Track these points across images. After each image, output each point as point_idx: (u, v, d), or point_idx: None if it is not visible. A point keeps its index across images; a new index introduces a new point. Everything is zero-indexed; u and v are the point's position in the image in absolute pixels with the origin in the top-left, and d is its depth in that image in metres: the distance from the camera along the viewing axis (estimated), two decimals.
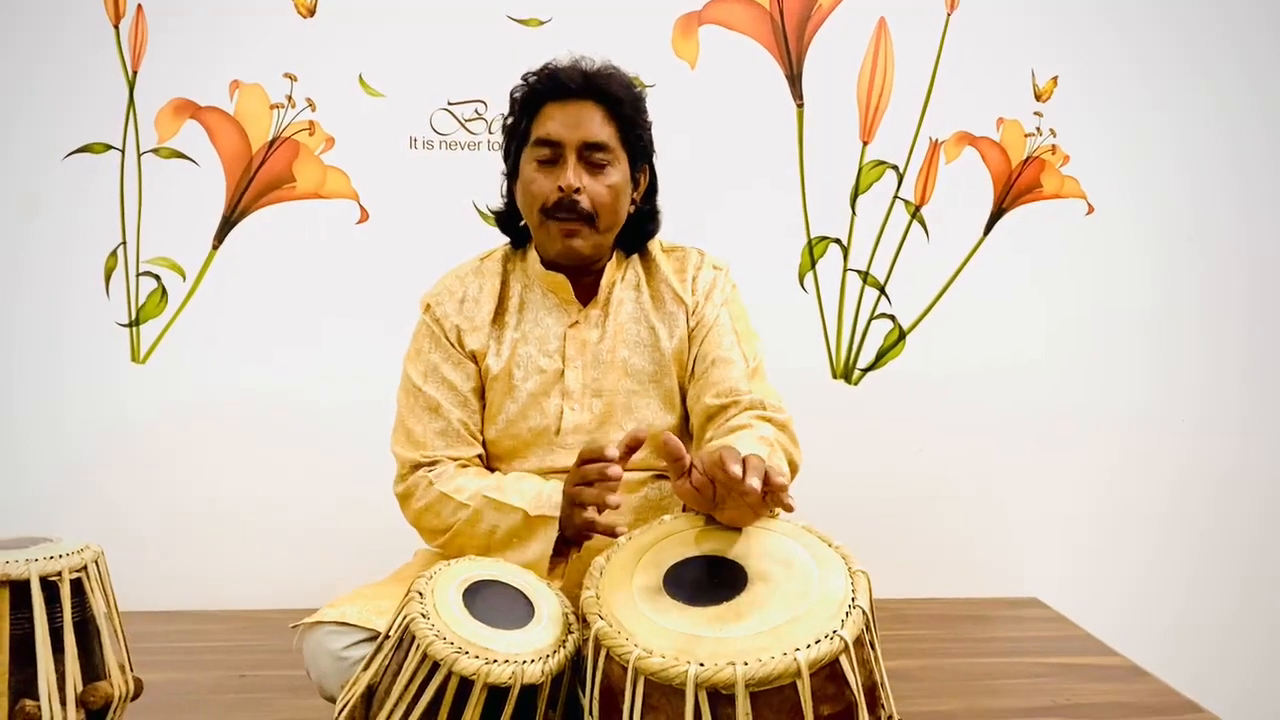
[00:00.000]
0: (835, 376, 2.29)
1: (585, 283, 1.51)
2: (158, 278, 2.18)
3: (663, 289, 1.53)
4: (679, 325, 1.51)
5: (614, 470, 1.26)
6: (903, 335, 2.29)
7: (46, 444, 2.17)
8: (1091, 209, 2.30)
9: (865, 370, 2.29)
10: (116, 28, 2.14)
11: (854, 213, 2.26)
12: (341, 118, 2.18)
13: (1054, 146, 2.28)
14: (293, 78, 2.16)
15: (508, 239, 1.59)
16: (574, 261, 1.48)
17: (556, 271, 1.50)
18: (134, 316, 2.18)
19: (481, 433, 1.52)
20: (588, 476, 1.29)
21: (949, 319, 2.29)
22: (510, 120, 1.51)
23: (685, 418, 1.52)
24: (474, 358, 1.51)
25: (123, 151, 2.16)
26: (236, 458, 2.19)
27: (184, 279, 2.19)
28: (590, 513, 1.30)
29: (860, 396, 2.29)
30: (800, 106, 2.24)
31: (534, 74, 1.48)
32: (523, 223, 1.54)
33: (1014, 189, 2.29)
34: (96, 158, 2.15)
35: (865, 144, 2.26)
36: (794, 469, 1.44)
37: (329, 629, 1.35)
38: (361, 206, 2.20)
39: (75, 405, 2.17)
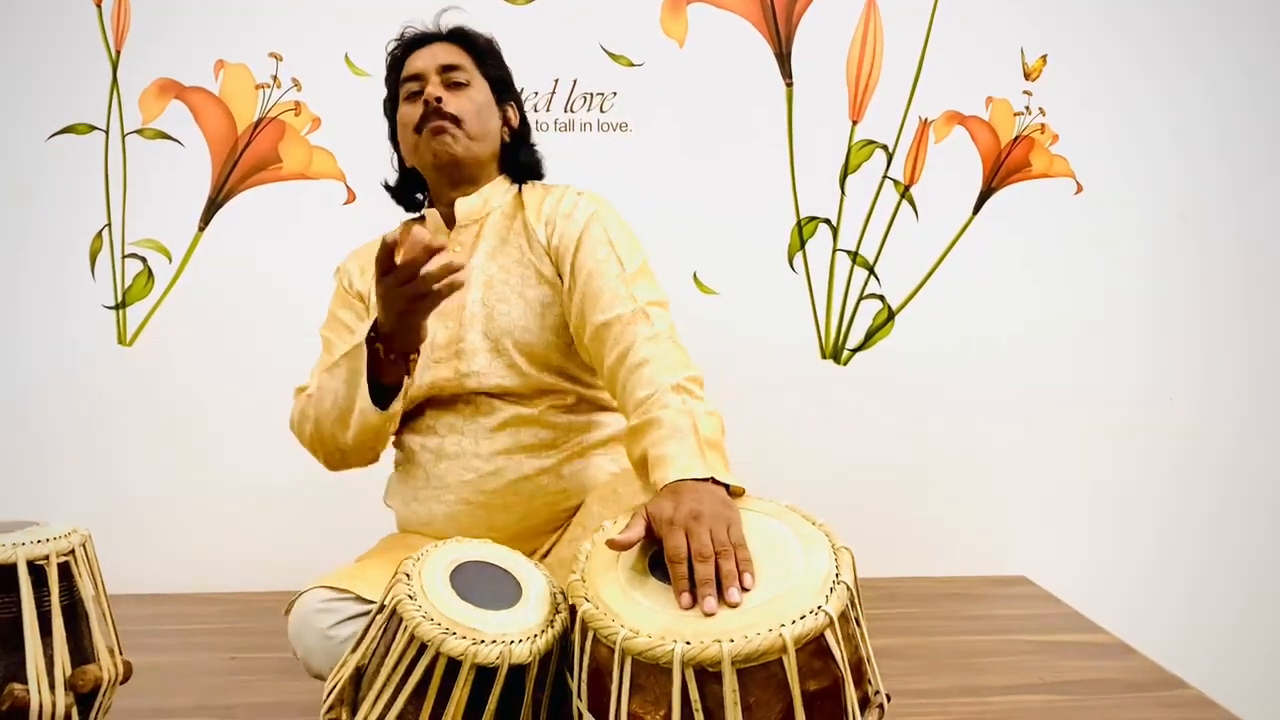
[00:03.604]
0: (824, 356, 2.29)
1: (455, 211, 1.57)
2: (144, 260, 2.17)
3: (529, 216, 1.55)
4: (540, 248, 1.52)
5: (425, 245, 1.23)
6: (892, 315, 2.29)
7: (34, 427, 2.16)
8: (1080, 188, 2.30)
9: (854, 350, 2.29)
10: (99, 7, 2.11)
11: (843, 192, 2.26)
12: (328, 98, 2.16)
13: (1043, 125, 2.28)
14: (278, 57, 2.14)
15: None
16: (452, 169, 1.53)
17: (443, 204, 1.58)
18: (120, 299, 2.17)
19: None
20: (402, 276, 1.25)
21: (938, 299, 2.29)
22: (388, 95, 1.64)
23: (560, 332, 1.49)
24: (361, 298, 1.60)
25: (106, 133, 2.14)
26: (225, 440, 2.19)
27: (170, 261, 2.17)
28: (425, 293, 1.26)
29: (849, 377, 2.29)
30: (789, 85, 2.23)
31: (397, 39, 1.64)
32: (419, 194, 1.67)
33: (1003, 168, 2.28)
34: (80, 139, 2.13)
35: (854, 123, 2.25)
36: (701, 385, 1.36)
37: (315, 608, 1.36)
38: (348, 187, 2.18)
39: (62, 388, 2.16)
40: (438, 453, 1.50)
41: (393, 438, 1.57)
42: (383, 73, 2.12)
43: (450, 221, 1.58)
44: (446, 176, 1.55)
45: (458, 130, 1.51)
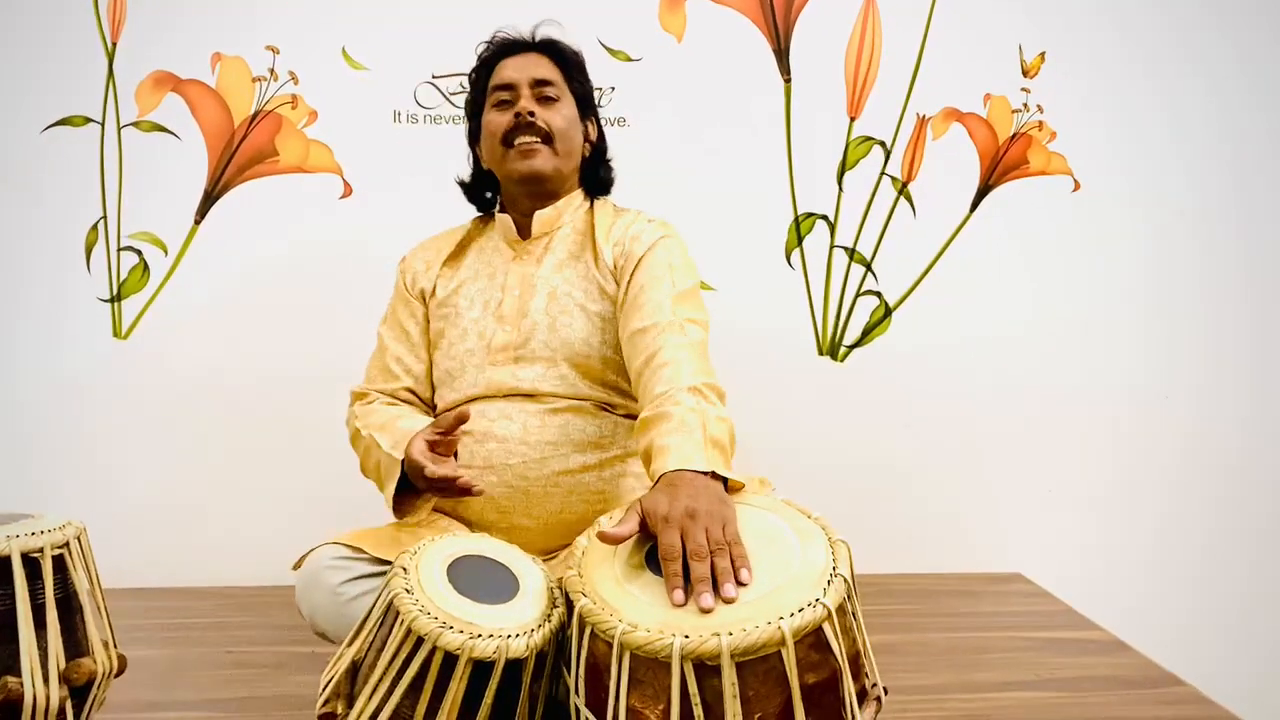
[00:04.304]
0: (822, 353, 2.29)
1: (532, 223, 1.63)
2: (139, 253, 2.16)
3: (598, 236, 1.60)
4: (606, 268, 1.57)
5: (463, 483, 1.35)
6: (889, 312, 2.29)
7: (29, 421, 2.15)
8: (1078, 185, 2.30)
9: (851, 347, 2.29)
10: None
11: (841, 189, 2.26)
12: (325, 91, 2.15)
13: (1041, 123, 2.28)
14: (275, 50, 2.14)
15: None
16: (537, 184, 1.59)
17: (518, 213, 1.64)
18: (115, 292, 2.16)
19: (429, 361, 1.65)
20: (437, 485, 1.38)
21: (935, 296, 2.29)
22: (471, 95, 1.70)
23: (618, 348, 1.55)
24: (422, 296, 1.66)
25: (102, 125, 2.13)
26: (221, 433, 2.18)
27: (166, 254, 2.16)
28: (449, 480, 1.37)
29: (847, 373, 2.29)
30: (788, 82, 2.23)
31: (488, 42, 1.68)
32: (489, 194, 1.72)
33: (1001, 165, 2.28)
34: (76, 131, 2.12)
35: (852, 120, 2.25)
36: (721, 397, 1.40)
37: (326, 564, 1.41)
38: (345, 181, 2.18)
39: (57, 382, 2.15)
40: (485, 434, 1.52)
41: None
42: (385, 68, 2.15)
43: (524, 230, 1.63)
44: (529, 190, 1.61)
45: (548, 148, 1.57)
